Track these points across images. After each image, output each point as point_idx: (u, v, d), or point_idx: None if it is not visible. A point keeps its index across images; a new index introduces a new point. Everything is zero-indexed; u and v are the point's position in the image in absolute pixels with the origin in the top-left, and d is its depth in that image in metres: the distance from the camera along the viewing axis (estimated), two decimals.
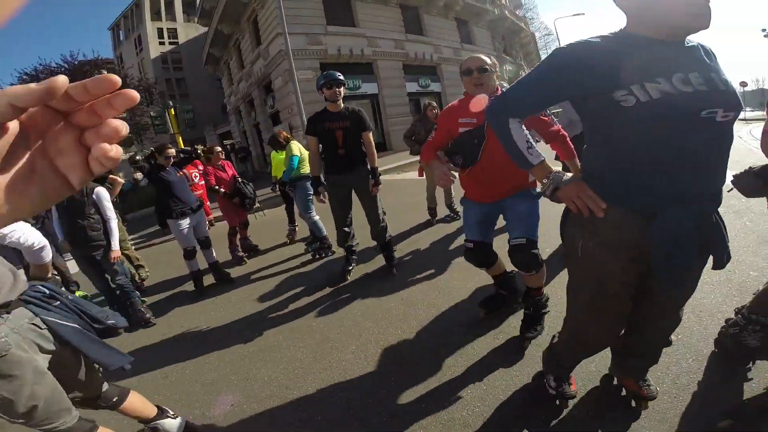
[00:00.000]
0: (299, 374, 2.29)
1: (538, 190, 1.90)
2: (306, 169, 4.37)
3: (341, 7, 15.94)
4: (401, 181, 9.10)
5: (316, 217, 4.34)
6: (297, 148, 4.39)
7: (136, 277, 4.41)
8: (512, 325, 2.33)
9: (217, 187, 4.51)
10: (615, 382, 1.72)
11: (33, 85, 0.26)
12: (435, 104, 4.83)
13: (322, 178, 3.32)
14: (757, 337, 1.65)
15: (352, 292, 3.28)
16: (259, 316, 3.17)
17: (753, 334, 1.67)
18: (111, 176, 3.83)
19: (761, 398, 1.52)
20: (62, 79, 0.27)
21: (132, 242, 5.59)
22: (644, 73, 1.04)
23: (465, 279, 3.09)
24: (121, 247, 3.52)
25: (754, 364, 1.70)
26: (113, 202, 3.45)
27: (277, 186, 5.45)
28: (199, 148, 4.49)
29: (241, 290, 3.83)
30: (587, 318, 1.37)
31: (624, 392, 1.66)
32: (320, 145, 3.25)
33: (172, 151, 3.70)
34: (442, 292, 3.00)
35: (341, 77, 3.09)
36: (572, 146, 2.18)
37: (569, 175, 1.28)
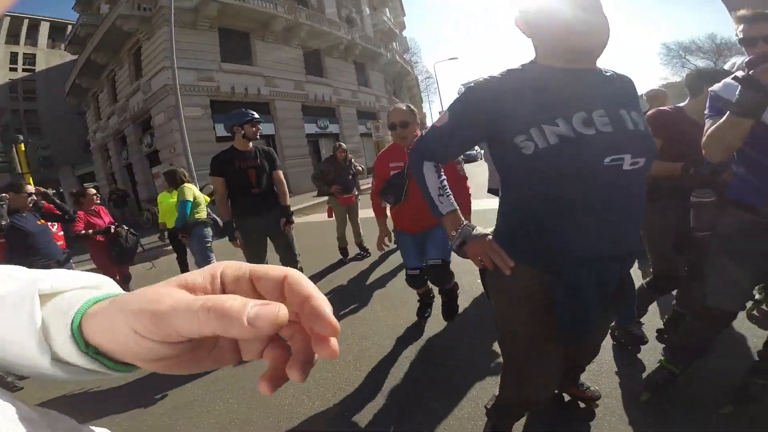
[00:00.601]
0: (238, 426, 2.03)
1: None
2: (201, 214, 3.97)
3: (240, 45, 15.63)
4: (306, 224, 8.90)
5: None
6: (191, 192, 3.93)
7: None
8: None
9: (89, 233, 3.74)
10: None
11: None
12: (344, 146, 4.91)
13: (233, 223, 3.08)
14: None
15: None
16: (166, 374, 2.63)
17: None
18: None
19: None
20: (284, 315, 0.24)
21: None
22: (544, 114, 0.92)
23: (388, 308, 3.25)
24: None
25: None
26: None
27: (166, 234, 4.84)
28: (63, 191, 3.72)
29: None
30: (516, 371, 1.29)
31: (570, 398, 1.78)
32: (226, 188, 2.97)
33: (30, 189, 3.01)
34: (370, 323, 3.01)
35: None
36: (469, 199, 2.39)
37: (480, 228, 1.17)
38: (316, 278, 4.28)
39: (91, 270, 5.68)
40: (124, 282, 4.17)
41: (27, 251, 2.91)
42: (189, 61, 13.35)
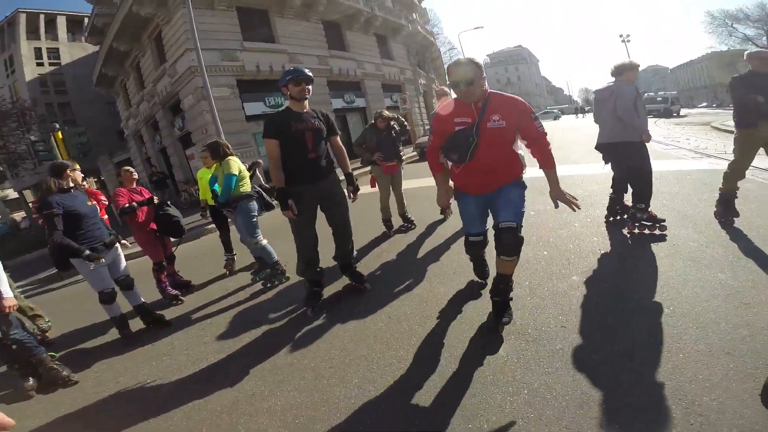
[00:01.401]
0: (303, 424, 1.80)
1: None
2: (246, 187, 3.79)
3: (260, 23, 15.24)
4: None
5: (265, 242, 3.76)
6: (236, 164, 3.76)
7: (35, 330, 3.45)
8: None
9: (133, 204, 3.60)
10: None
11: None
12: (386, 114, 4.60)
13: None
14: None
15: (327, 319, 2.81)
16: (221, 361, 2.53)
17: None
18: None
19: None
20: None
21: (19, 290, 4.39)
22: None
23: (446, 282, 3.02)
24: None
25: None
26: None
27: (208, 211, 4.74)
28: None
29: (185, 333, 3.08)
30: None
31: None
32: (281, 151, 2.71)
33: (78, 173, 2.91)
34: (429, 302, 2.77)
35: (310, 73, 2.72)
36: (551, 155, 2.16)
37: None
38: (361, 253, 4.06)
39: (134, 253, 5.72)
40: (170, 262, 4.12)
41: (77, 231, 2.81)
42: (211, 42, 13.12)
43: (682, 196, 4.30)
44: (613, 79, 3.48)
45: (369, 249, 4.25)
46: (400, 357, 2.17)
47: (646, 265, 2.76)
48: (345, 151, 2.93)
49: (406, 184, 4.76)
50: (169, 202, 3.98)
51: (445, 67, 37.22)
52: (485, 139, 2.06)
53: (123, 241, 3.34)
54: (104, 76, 20.02)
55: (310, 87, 2.72)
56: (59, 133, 8.10)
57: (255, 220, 3.74)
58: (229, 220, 4.42)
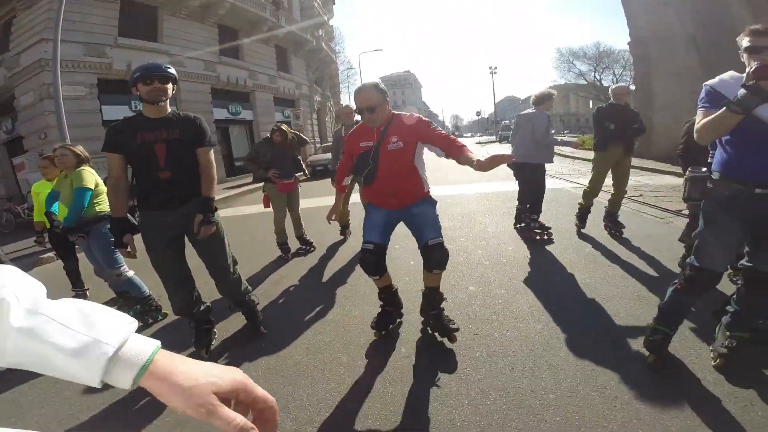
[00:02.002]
0: None
1: None
2: (103, 205, 3.08)
3: (144, 19, 13.43)
4: (235, 218, 7.93)
5: (130, 273, 3.10)
6: (92, 177, 3.05)
7: None
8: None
9: None
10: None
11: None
12: (285, 128, 4.28)
13: (133, 219, 2.38)
14: None
15: (230, 358, 2.43)
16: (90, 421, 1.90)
17: None
18: None
19: None
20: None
21: None
22: None
23: (358, 306, 2.93)
24: None
25: None
26: None
27: (46, 236, 3.76)
28: None
29: (31, 389, 2.23)
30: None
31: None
32: (128, 168, 2.21)
33: None
34: (346, 327, 2.64)
35: (171, 69, 2.18)
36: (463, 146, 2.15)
37: None
38: (257, 279, 3.67)
39: None
40: None
41: None
42: (76, 33, 11.17)
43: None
44: (531, 108, 4.12)
45: (265, 275, 3.86)
46: (332, 389, 1.96)
47: (524, 272, 3.20)
48: (213, 168, 2.32)
49: (302, 204, 4.51)
50: None
51: (341, 86, 38.10)
52: (385, 161, 2.16)
53: None
54: None
55: (168, 86, 2.17)
56: None
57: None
58: (76, 246, 3.52)
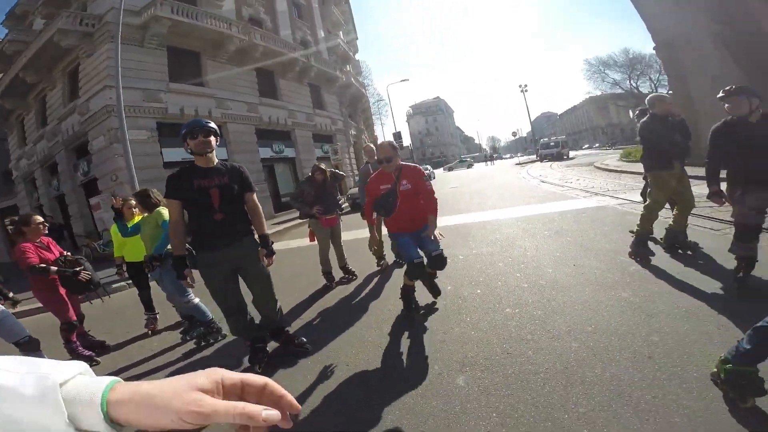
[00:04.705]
0: None
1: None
2: None
3: (190, 64, 14.90)
4: (282, 251, 8.39)
5: (197, 300, 3.50)
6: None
7: None
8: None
9: (43, 266, 3.17)
10: None
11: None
12: (324, 167, 4.60)
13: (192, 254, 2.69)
14: None
15: (284, 375, 2.66)
16: None
17: None
18: None
19: None
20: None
21: None
22: None
23: (391, 325, 3.17)
24: None
25: None
26: None
27: (124, 267, 4.29)
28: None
29: None
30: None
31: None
32: (186, 213, 2.53)
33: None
34: (381, 346, 2.83)
35: (211, 124, 2.50)
36: (434, 205, 3.13)
37: None
38: (305, 305, 4.01)
39: (36, 308, 4.87)
40: (79, 322, 3.59)
41: None
42: (134, 80, 12.48)
43: (580, 231, 5.02)
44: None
45: (313, 301, 4.17)
46: (360, 400, 2.17)
47: (564, 294, 3.19)
48: (260, 209, 2.70)
49: (344, 236, 4.84)
50: (83, 258, 3.58)
51: (374, 117, 39.45)
52: (401, 198, 3.05)
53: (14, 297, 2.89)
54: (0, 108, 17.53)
55: (211, 139, 2.48)
56: None
57: None
58: (149, 275, 4.01)
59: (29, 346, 2.78)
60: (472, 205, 9.20)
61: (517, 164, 30.64)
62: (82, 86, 13.39)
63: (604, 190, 8.45)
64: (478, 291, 3.56)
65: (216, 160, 2.56)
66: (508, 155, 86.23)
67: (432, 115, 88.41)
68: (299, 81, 20.70)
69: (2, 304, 2.80)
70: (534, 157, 35.00)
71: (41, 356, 2.77)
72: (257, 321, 2.92)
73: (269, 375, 2.59)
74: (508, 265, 4.21)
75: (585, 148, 57.40)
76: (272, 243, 2.70)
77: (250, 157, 16.45)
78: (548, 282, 3.52)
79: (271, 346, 3.01)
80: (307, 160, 19.48)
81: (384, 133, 43.18)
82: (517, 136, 46.17)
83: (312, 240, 4.71)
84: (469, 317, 3.04)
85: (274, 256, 2.71)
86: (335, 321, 3.48)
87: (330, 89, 24.22)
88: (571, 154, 34.26)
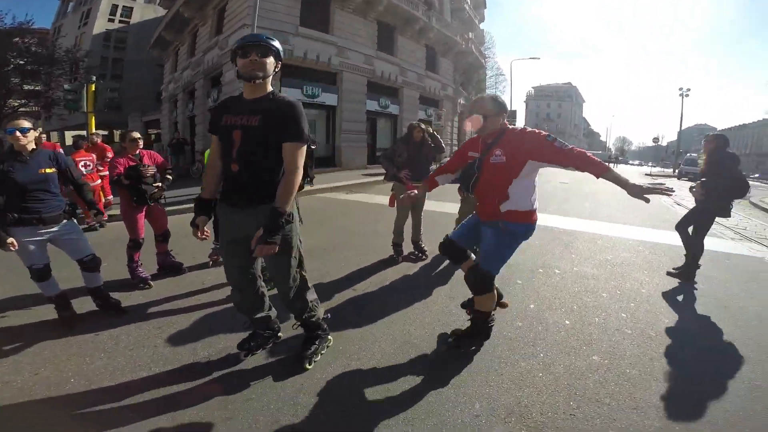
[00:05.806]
0: None
1: None
2: None
3: (319, 10, 15.21)
4: (352, 203, 8.27)
5: None
6: None
7: None
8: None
9: (116, 177, 3.34)
10: None
11: None
12: (423, 126, 4.19)
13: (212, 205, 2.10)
14: None
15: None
16: (164, 375, 2.15)
17: None
18: None
19: None
20: None
21: None
22: None
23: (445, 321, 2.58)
24: None
25: None
26: None
27: None
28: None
29: (136, 329, 2.67)
30: None
31: None
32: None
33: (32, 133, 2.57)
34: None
35: (275, 42, 1.89)
36: (592, 160, 2.05)
37: None
38: (363, 273, 3.78)
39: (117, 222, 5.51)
40: (164, 240, 3.76)
41: (16, 204, 2.45)
42: (269, 21, 13.09)
43: (719, 280, 3.87)
44: None
45: (372, 272, 3.89)
46: (356, 414, 1.81)
47: (675, 356, 2.43)
48: (295, 174, 1.81)
49: (426, 205, 4.38)
50: (170, 170, 3.78)
51: (488, 91, 36.81)
52: (486, 172, 2.20)
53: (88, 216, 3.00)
54: (161, 39, 20.95)
55: (268, 60, 1.84)
56: (93, 86, 8.07)
57: None
58: None
59: (92, 264, 2.78)
60: (582, 210, 7.73)
61: (646, 174, 25.42)
62: (226, 23, 14.74)
63: (760, 236, 6.26)
64: (567, 322, 2.86)
65: (268, 90, 1.91)
66: (636, 162, 74.45)
67: (557, 101, 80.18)
68: (417, 41, 19.94)
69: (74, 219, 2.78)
70: (671, 171, 28.79)
71: (97, 277, 2.85)
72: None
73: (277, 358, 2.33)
74: (614, 298, 3.33)
75: (754, 177, 46.31)
76: (281, 224, 1.76)
77: (358, 107, 16.69)
78: (659, 335, 2.70)
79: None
80: (409, 119, 18.90)
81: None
82: (657, 143, 38.85)
83: (392, 205, 4.19)
84: (543, 353, 2.42)
85: (273, 248, 1.74)
86: (383, 304, 3.14)
87: (447, 54, 22.95)
88: None
